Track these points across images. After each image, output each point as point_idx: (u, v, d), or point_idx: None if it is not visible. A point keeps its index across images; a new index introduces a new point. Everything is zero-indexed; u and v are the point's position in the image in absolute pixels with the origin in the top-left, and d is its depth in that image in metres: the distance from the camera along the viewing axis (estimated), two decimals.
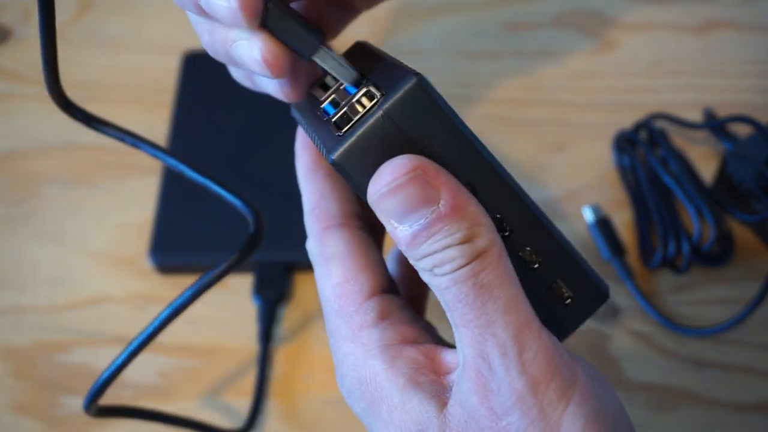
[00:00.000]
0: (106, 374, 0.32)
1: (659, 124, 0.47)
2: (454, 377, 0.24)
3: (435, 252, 0.23)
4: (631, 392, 0.41)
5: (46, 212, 0.50)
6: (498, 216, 0.25)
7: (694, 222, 0.43)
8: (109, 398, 0.43)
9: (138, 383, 0.43)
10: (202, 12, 0.25)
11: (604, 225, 0.44)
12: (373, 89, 0.24)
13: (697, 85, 0.50)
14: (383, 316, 0.26)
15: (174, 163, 0.32)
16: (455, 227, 0.23)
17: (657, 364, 0.41)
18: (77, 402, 0.43)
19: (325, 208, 0.28)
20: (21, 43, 0.57)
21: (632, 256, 0.44)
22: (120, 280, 0.47)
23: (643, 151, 0.46)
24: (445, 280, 0.23)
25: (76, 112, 0.30)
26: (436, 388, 0.24)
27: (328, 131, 0.25)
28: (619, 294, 0.43)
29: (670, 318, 0.42)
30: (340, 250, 0.27)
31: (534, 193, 0.47)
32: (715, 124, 0.45)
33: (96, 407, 0.33)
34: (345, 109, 0.24)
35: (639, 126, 0.46)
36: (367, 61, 0.27)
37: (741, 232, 0.44)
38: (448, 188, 0.23)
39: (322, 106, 0.26)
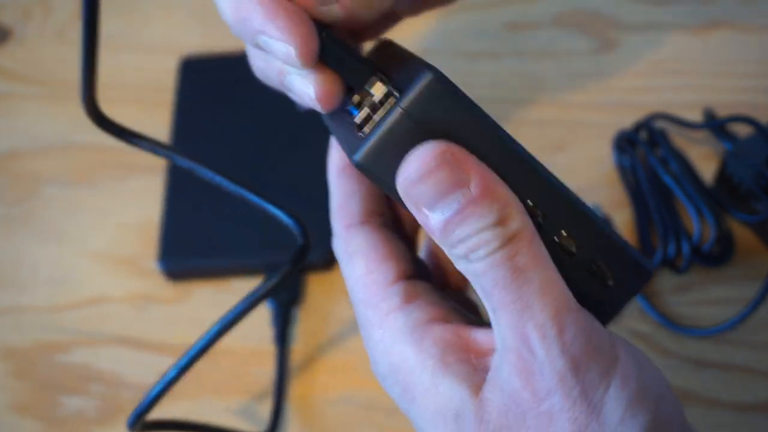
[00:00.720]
0: (155, 391, 0.31)
1: (659, 124, 0.47)
2: (488, 361, 0.24)
3: (469, 236, 0.23)
4: None
5: (46, 212, 0.50)
6: (530, 202, 0.24)
7: (694, 222, 0.43)
8: (109, 398, 0.43)
9: (138, 383, 0.43)
10: (261, 48, 0.25)
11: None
12: (391, 88, 0.24)
13: (697, 85, 0.50)
14: (409, 299, 0.26)
15: (210, 175, 0.31)
16: (487, 209, 0.23)
17: (657, 364, 0.41)
18: (77, 402, 0.43)
19: (349, 208, 0.29)
20: (21, 43, 0.57)
21: None
22: (120, 280, 0.47)
23: (643, 151, 0.46)
24: (481, 265, 0.23)
25: (111, 127, 0.30)
26: (467, 369, 0.24)
27: (352, 133, 0.25)
28: None
29: (670, 318, 0.42)
30: (362, 246, 0.28)
31: None
32: (715, 124, 0.45)
33: (141, 423, 0.33)
34: (366, 110, 0.24)
35: (639, 126, 0.46)
36: (391, 60, 0.27)
37: (741, 232, 0.44)
38: (476, 170, 0.23)
39: (348, 107, 0.26)
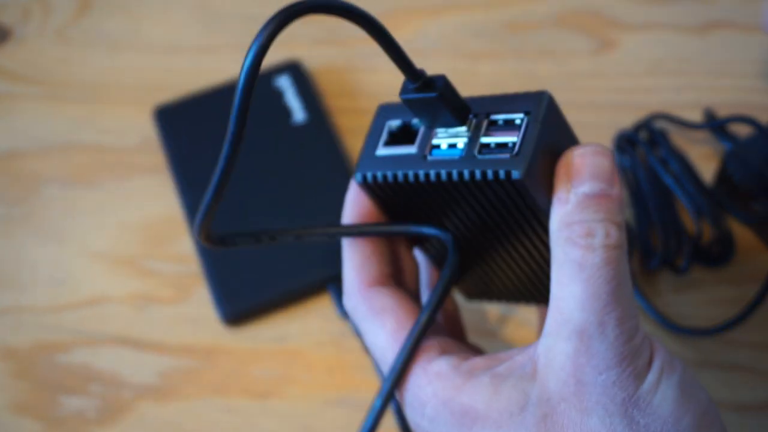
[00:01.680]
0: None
1: (659, 124, 0.47)
2: (527, 356, 0.27)
3: (596, 220, 0.25)
4: None
5: (46, 212, 0.50)
6: None
7: (694, 222, 0.43)
8: (109, 398, 0.43)
9: (138, 383, 0.43)
10: None
11: None
12: (519, 114, 0.28)
13: (697, 85, 0.50)
14: (444, 346, 0.29)
15: (353, 230, 0.30)
16: (618, 210, 0.26)
17: None
18: (77, 402, 0.43)
19: (369, 268, 0.30)
20: (21, 43, 0.57)
21: (632, 256, 0.44)
22: (120, 280, 0.47)
23: (643, 151, 0.45)
24: (595, 254, 0.25)
25: (229, 242, 0.29)
26: (513, 366, 0.27)
27: (494, 160, 0.27)
28: None
29: (671, 318, 0.42)
30: (390, 303, 0.29)
31: None
32: (715, 124, 0.45)
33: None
34: (499, 134, 0.27)
35: (639, 126, 0.46)
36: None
37: (741, 232, 0.44)
38: (621, 183, 0.27)
39: (428, 153, 0.28)
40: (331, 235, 0.30)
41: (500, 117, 0.28)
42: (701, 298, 0.43)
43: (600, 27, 0.53)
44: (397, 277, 0.31)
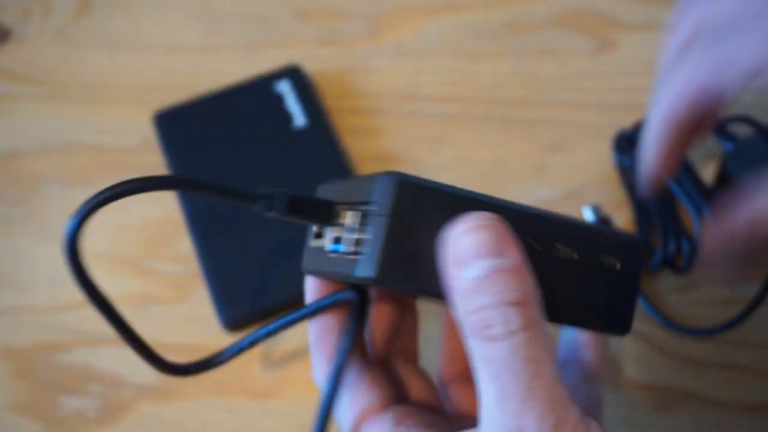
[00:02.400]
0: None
1: None
2: None
3: (492, 306, 0.23)
4: (631, 392, 0.41)
5: (46, 212, 0.50)
6: (526, 240, 0.26)
7: (694, 222, 0.43)
8: (109, 398, 0.43)
9: (138, 383, 0.43)
10: None
11: (604, 225, 0.44)
12: (360, 207, 0.25)
13: None
14: (398, 421, 0.27)
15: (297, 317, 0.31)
16: (514, 285, 0.23)
17: (657, 364, 0.41)
18: (77, 402, 0.43)
19: (327, 344, 0.30)
20: (21, 43, 0.57)
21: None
22: (120, 280, 0.47)
23: None
24: (497, 346, 0.23)
25: None
26: None
27: (347, 263, 0.26)
28: None
29: (670, 318, 0.42)
30: (346, 379, 0.29)
31: (534, 193, 0.47)
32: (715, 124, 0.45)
33: None
34: (349, 236, 0.25)
35: (639, 126, 0.46)
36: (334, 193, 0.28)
37: None
38: (515, 248, 0.23)
39: (327, 248, 0.27)
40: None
41: (353, 211, 0.26)
42: (701, 298, 0.43)
43: (600, 27, 0.53)
44: (363, 348, 0.31)
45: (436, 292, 0.25)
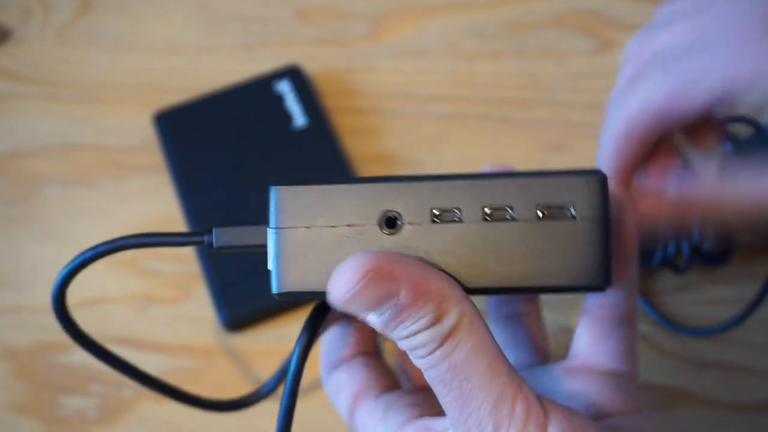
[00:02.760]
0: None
1: None
2: None
3: (408, 337, 0.23)
4: None
5: (46, 212, 0.50)
6: (434, 211, 0.25)
7: (693, 222, 0.43)
8: (109, 398, 0.43)
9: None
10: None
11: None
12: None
13: None
14: (387, 409, 0.28)
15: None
16: (421, 312, 0.23)
17: (657, 364, 0.41)
18: (77, 402, 0.43)
19: (331, 354, 0.31)
20: (21, 43, 0.57)
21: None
22: (120, 280, 0.47)
23: None
24: (422, 363, 0.23)
25: None
26: None
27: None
28: None
29: (670, 318, 0.42)
30: (345, 382, 0.30)
31: None
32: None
33: None
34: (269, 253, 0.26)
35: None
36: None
37: (741, 233, 0.44)
38: (405, 277, 0.23)
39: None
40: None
41: (262, 227, 0.26)
42: (701, 298, 0.43)
43: (600, 27, 0.53)
44: (366, 344, 0.31)
45: None
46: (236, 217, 0.46)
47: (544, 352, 0.33)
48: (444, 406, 0.24)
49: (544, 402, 0.24)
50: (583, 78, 0.51)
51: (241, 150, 0.49)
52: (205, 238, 0.27)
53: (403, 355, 0.33)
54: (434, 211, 0.25)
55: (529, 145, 0.49)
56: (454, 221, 0.24)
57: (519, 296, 0.33)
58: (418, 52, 0.54)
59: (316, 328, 0.28)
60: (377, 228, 0.25)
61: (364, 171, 0.49)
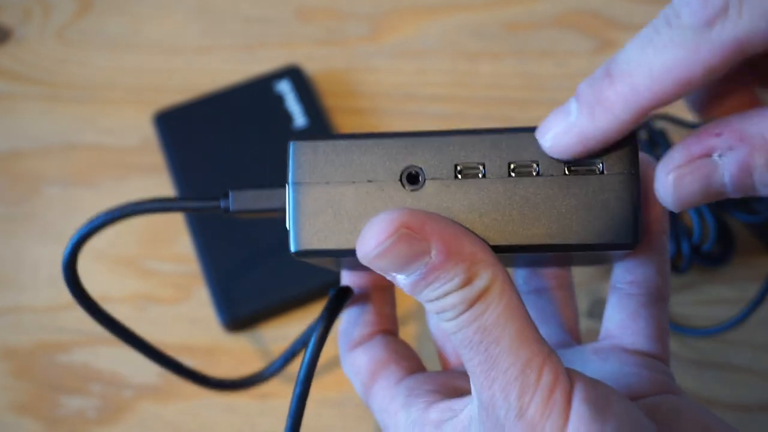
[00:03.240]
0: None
1: (659, 124, 0.47)
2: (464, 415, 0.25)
3: (437, 298, 0.23)
4: None
5: (47, 212, 0.50)
6: (458, 166, 0.24)
7: (694, 222, 0.43)
8: (109, 398, 0.43)
9: (138, 383, 0.43)
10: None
11: None
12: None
13: None
14: (410, 393, 0.28)
15: None
16: (451, 273, 0.22)
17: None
18: (77, 402, 0.43)
19: (350, 333, 0.30)
20: (21, 43, 0.57)
21: None
22: (120, 280, 0.47)
23: (644, 151, 0.45)
24: (450, 325, 0.23)
25: None
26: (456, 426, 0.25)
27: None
28: None
29: (671, 318, 0.42)
30: (364, 361, 0.30)
31: None
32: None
33: None
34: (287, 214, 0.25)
35: (638, 126, 0.46)
36: None
37: (741, 232, 0.44)
38: (437, 236, 0.22)
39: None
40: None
41: (281, 188, 0.26)
42: (701, 298, 0.43)
43: (600, 27, 0.53)
44: (390, 320, 0.31)
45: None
46: (239, 219, 0.46)
47: (574, 332, 0.32)
48: (469, 371, 0.23)
49: (571, 373, 0.23)
50: (583, 78, 0.51)
51: (241, 150, 0.49)
52: (222, 203, 0.27)
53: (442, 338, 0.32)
54: (458, 166, 0.24)
55: None
56: (478, 177, 0.24)
57: (549, 270, 0.32)
58: (418, 52, 0.54)
59: (334, 316, 0.27)
60: (399, 184, 0.24)
61: None
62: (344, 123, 0.51)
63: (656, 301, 0.28)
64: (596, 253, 0.25)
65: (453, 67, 0.53)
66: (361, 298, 0.31)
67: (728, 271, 0.43)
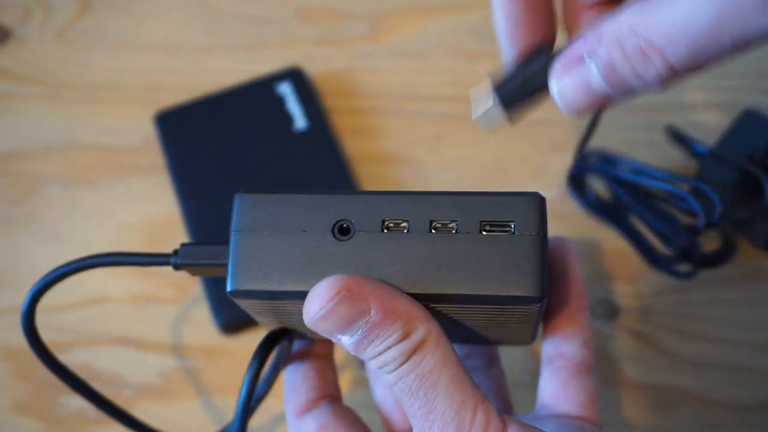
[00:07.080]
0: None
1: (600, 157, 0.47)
2: None
3: (378, 355, 0.25)
4: (631, 392, 0.41)
5: (47, 212, 0.50)
6: (389, 223, 0.26)
7: (696, 222, 0.43)
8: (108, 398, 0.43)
9: (138, 383, 0.43)
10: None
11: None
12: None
13: (697, 85, 0.50)
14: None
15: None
16: (390, 330, 0.24)
17: (657, 364, 0.41)
18: (77, 402, 0.43)
19: (297, 398, 0.32)
20: (21, 43, 0.57)
21: (632, 256, 0.44)
22: (120, 280, 0.47)
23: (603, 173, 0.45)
24: (391, 377, 0.25)
25: None
26: None
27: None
28: (619, 294, 0.43)
29: (671, 318, 0.42)
30: (312, 428, 0.31)
31: None
32: (678, 138, 0.45)
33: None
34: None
35: (583, 157, 0.45)
36: None
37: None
38: (375, 296, 0.24)
39: None
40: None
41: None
42: (701, 298, 0.43)
43: None
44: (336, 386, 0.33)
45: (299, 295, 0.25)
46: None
47: (507, 404, 0.35)
48: (410, 416, 0.25)
49: (504, 417, 0.25)
50: None
51: (242, 151, 0.49)
52: (171, 259, 0.30)
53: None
54: (385, 221, 0.26)
55: (529, 145, 0.49)
56: (403, 231, 0.26)
57: (481, 350, 0.35)
58: (418, 52, 0.54)
59: (266, 355, 0.30)
60: (331, 235, 0.26)
61: (365, 171, 0.49)
62: (344, 123, 0.51)
63: (584, 371, 0.30)
64: (514, 316, 0.27)
65: (453, 67, 0.53)
66: (302, 363, 0.33)
67: (728, 271, 0.43)
